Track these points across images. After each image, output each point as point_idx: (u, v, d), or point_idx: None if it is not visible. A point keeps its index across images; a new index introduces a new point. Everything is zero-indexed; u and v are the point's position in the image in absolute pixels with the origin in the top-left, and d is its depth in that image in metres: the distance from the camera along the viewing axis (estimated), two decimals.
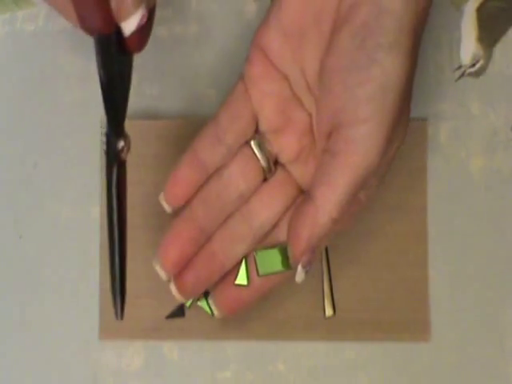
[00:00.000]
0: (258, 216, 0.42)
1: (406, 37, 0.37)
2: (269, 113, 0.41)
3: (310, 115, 0.41)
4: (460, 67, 0.46)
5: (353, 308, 0.45)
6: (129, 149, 0.40)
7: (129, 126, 0.46)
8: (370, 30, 0.37)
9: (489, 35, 0.46)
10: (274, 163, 0.42)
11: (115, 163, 0.39)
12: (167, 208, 0.42)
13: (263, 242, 0.42)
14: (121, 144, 0.39)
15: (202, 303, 0.45)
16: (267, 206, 0.42)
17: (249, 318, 0.45)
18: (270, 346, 0.46)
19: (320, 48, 0.39)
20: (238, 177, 0.42)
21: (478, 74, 0.46)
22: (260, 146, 0.42)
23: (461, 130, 0.46)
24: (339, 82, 0.38)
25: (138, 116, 0.47)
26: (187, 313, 0.46)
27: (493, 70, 0.47)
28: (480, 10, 0.46)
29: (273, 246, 0.42)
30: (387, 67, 0.37)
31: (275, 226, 0.42)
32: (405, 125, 0.40)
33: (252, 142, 0.42)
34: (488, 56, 0.46)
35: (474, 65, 0.46)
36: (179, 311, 0.46)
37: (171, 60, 0.47)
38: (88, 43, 0.47)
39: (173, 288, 0.42)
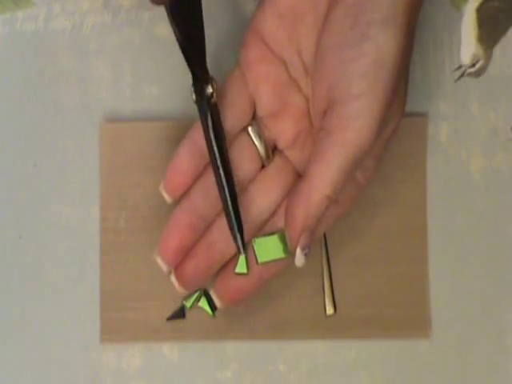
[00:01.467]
0: (256, 203, 0.42)
1: (400, 13, 0.37)
2: (265, 97, 0.41)
3: (306, 99, 0.41)
4: (460, 67, 0.47)
5: (353, 306, 0.45)
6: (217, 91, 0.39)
7: (128, 127, 0.46)
8: (363, 6, 0.37)
9: (489, 35, 0.46)
10: (272, 150, 0.42)
11: (209, 108, 0.39)
12: (167, 198, 0.42)
13: (262, 229, 0.42)
14: (210, 89, 0.39)
15: (203, 304, 0.45)
16: (266, 194, 0.42)
17: (249, 317, 0.45)
18: (271, 346, 0.46)
19: (316, 30, 0.39)
20: (236, 164, 0.41)
21: (478, 73, 0.46)
22: (258, 133, 0.42)
23: (461, 130, 0.47)
24: (333, 59, 0.38)
25: (137, 117, 0.47)
26: (187, 314, 0.45)
27: (493, 70, 0.47)
28: (480, 10, 0.46)
29: (271, 234, 0.42)
30: (380, 43, 0.37)
31: (274, 213, 0.42)
32: (401, 105, 0.40)
33: (249, 128, 0.42)
34: (488, 56, 0.46)
35: (474, 65, 0.46)
36: (180, 313, 0.45)
37: (171, 60, 0.47)
38: (88, 43, 0.47)
39: (173, 279, 0.42)
